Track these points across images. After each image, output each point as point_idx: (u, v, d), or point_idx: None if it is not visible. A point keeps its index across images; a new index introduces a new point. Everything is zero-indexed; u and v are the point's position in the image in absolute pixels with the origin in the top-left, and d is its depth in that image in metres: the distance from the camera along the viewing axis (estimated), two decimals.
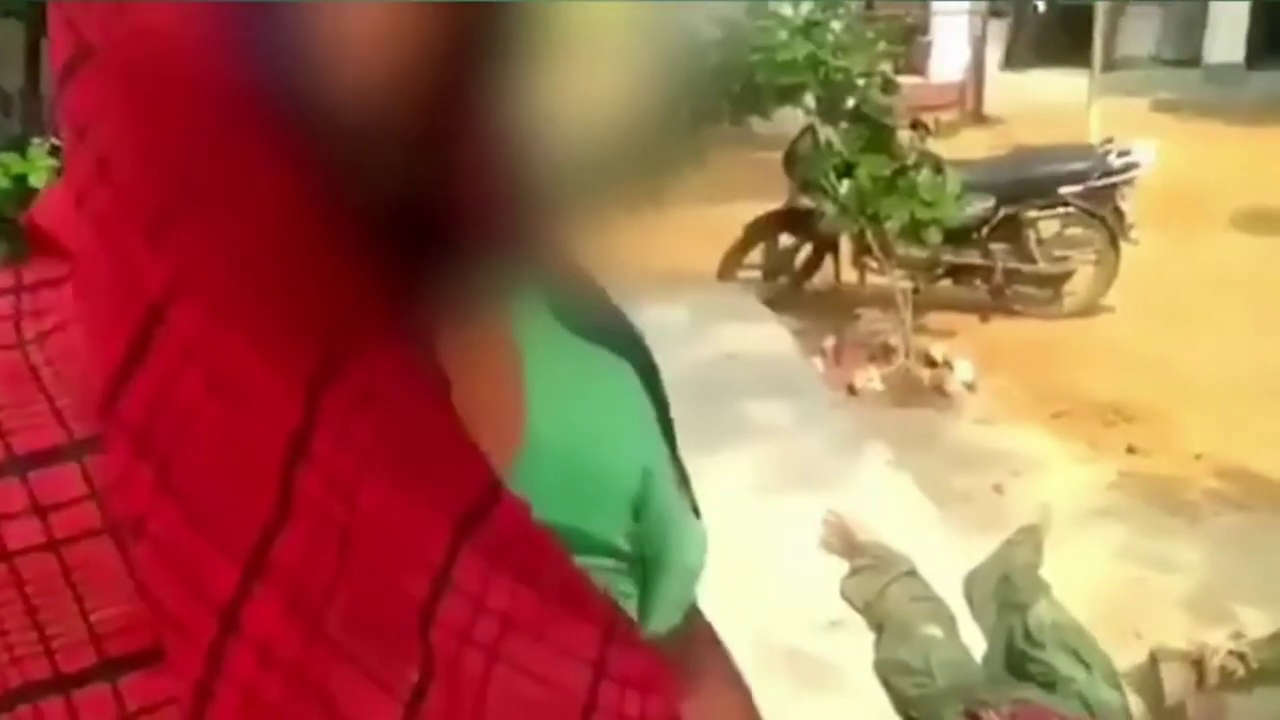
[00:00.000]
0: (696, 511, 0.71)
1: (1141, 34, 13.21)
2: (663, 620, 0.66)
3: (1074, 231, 5.92)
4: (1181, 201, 6.91)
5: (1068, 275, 5.95)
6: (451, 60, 0.39)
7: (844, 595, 2.32)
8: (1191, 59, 12.78)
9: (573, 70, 0.40)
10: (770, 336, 5.31)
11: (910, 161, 5.27)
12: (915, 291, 5.53)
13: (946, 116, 8.60)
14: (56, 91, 0.46)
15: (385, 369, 0.47)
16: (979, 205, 5.68)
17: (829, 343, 5.48)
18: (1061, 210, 5.86)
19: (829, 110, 5.34)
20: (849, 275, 6.03)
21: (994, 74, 11.77)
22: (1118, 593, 3.43)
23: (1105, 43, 9.32)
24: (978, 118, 10.92)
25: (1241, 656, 2.83)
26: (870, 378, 5.13)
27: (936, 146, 5.65)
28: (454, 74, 0.39)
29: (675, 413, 0.68)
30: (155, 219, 0.44)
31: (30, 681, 0.44)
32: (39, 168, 4.10)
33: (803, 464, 3.88)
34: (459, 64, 0.39)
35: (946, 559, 2.77)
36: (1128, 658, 2.70)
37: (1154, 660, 2.92)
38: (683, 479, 0.69)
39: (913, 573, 2.28)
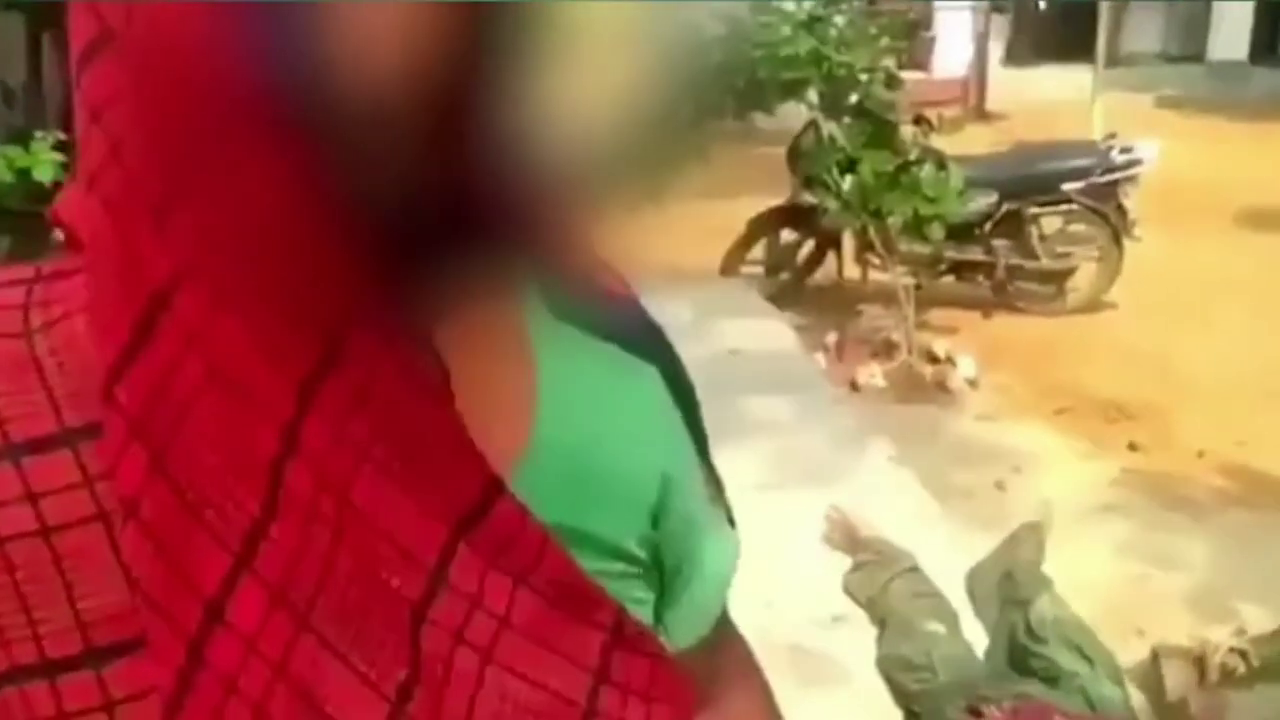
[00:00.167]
0: (731, 521, 0.69)
1: (1146, 30, 13.20)
2: (688, 631, 0.65)
3: (1077, 228, 5.92)
4: (1185, 198, 6.91)
5: (1070, 272, 5.95)
6: (457, 59, 0.39)
7: (846, 591, 2.32)
8: (1195, 55, 12.78)
9: (577, 67, 0.41)
10: (773, 332, 5.31)
11: (913, 157, 5.28)
12: (918, 288, 5.53)
13: (949, 112, 8.59)
14: (75, 74, 0.47)
15: (383, 367, 0.47)
16: (982, 201, 5.68)
17: (831, 339, 5.48)
18: (1064, 207, 5.86)
19: (832, 106, 5.34)
20: (851, 271, 6.03)
21: (997, 70, 11.77)
22: (1120, 589, 3.43)
23: (1109, 39, 9.30)
24: (981, 113, 10.93)
25: (1243, 653, 2.83)
26: (872, 374, 5.13)
27: (939, 142, 5.65)
28: (460, 72, 0.39)
29: None
30: (161, 204, 0.44)
31: (17, 665, 0.45)
32: (43, 161, 4.11)
33: (805, 460, 3.89)
34: (464, 62, 0.39)
35: (948, 555, 2.77)
36: (1130, 654, 2.70)
37: (1155, 657, 2.92)
38: (716, 487, 0.67)
39: (915, 568, 2.28)
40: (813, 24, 5.12)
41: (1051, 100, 9.78)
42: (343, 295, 0.45)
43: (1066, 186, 5.78)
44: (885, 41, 5.54)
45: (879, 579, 2.25)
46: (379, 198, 0.41)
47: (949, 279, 6.00)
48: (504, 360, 0.56)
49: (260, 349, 0.45)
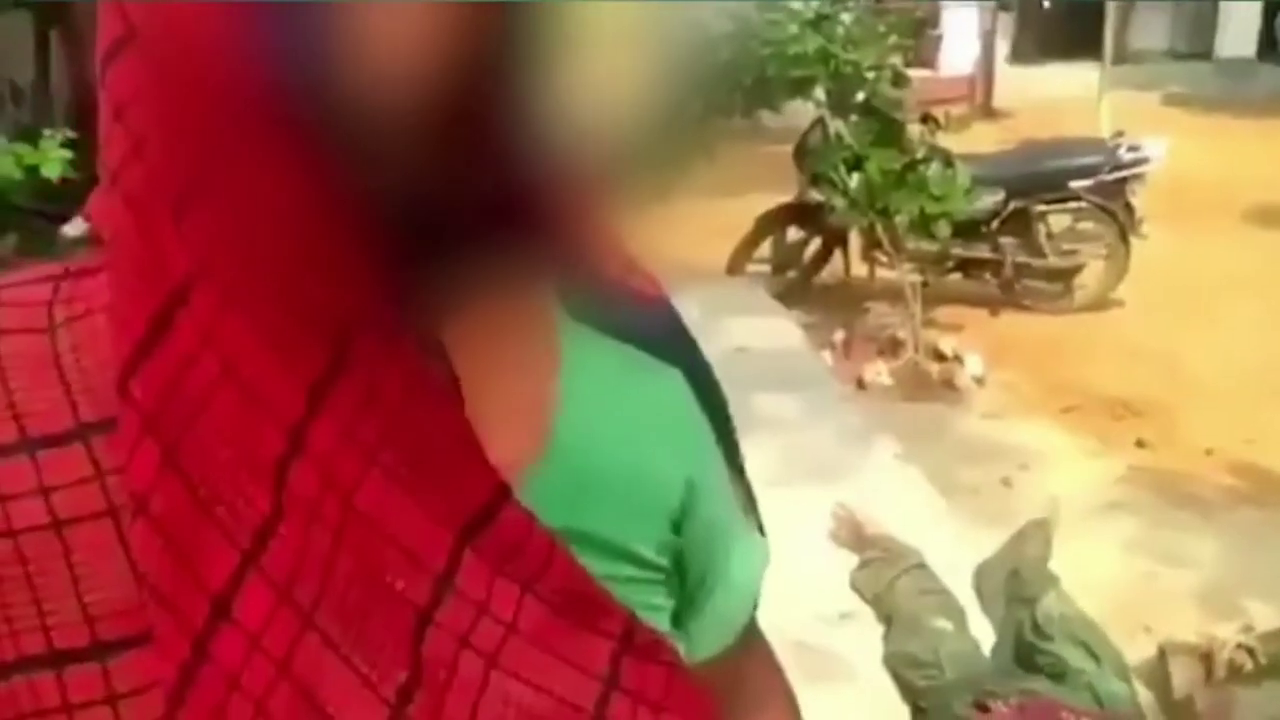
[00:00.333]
0: (761, 529, 0.68)
1: (1153, 28, 13.15)
2: (712, 641, 0.64)
3: (1084, 226, 5.90)
4: (1192, 196, 6.89)
5: (1078, 269, 5.94)
6: (469, 60, 0.40)
7: (853, 587, 2.32)
8: (1203, 53, 12.74)
9: (586, 65, 0.41)
10: (779, 330, 5.31)
11: (920, 155, 5.27)
12: (924, 285, 5.52)
13: (956, 110, 8.57)
14: (100, 71, 0.47)
15: (391, 371, 0.47)
16: (989, 199, 5.67)
17: (838, 336, 5.47)
18: (1072, 204, 5.84)
19: (839, 104, 5.34)
20: (858, 269, 6.03)
21: (1003, 67, 11.74)
22: (1127, 587, 3.43)
23: (1116, 36, 9.28)
24: (987, 111, 10.90)
25: (1250, 651, 2.82)
26: (879, 372, 5.13)
27: (946, 140, 5.64)
28: (471, 73, 0.40)
29: None
30: (180, 202, 0.45)
31: (25, 655, 0.45)
32: (51, 159, 4.12)
33: (812, 457, 3.89)
34: (477, 63, 0.40)
35: (955, 552, 2.77)
36: (1137, 651, 2.70)
37: (1163, 654, 2.92)
38: (746, 495, 0.66)
39: (922, 565, 2.28)
40: (820, 22, 5.12)
41: (1058, 98, 9.75)
42: (352, 298, 0.45)
43: (1074, 184, 5.77)
44: (892, 39, 5.53)
45: (885, 576, 2.25)
46: (389, 199, 0.41)
47: (956, 277, 5.98)
48: (527, 361, 0.55)
49: (272, 349, 0.46)
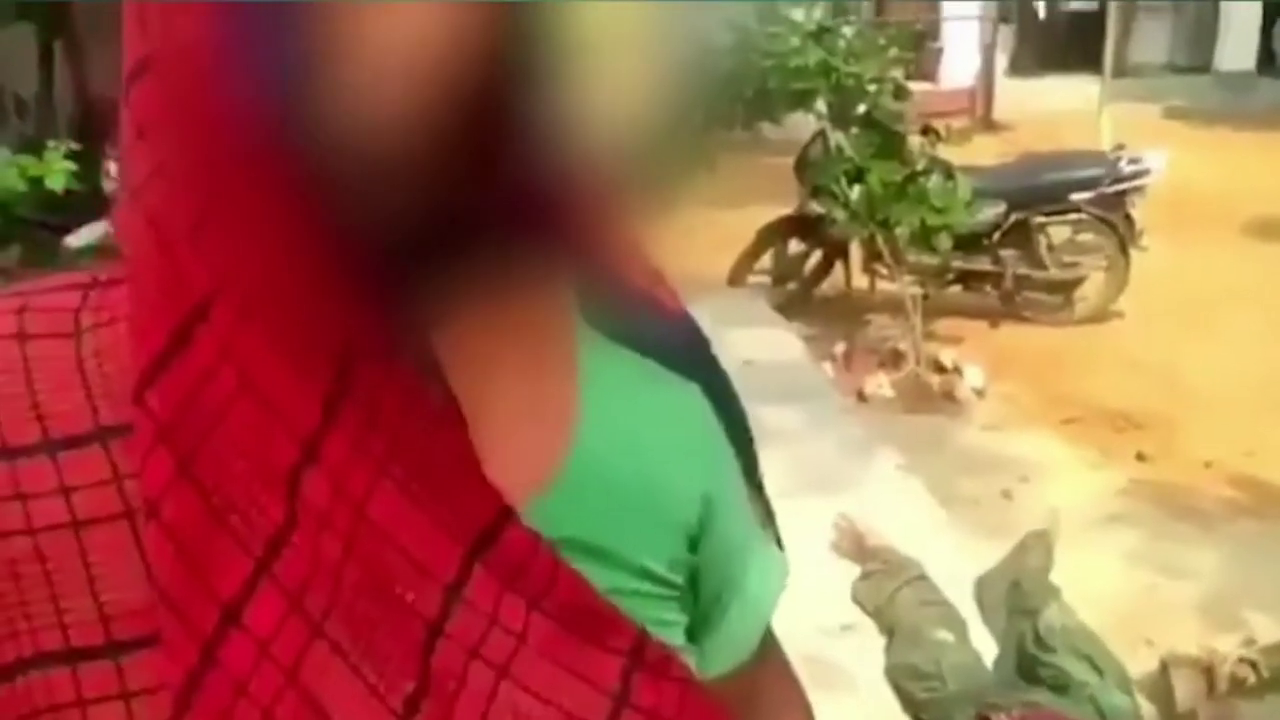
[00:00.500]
0: (780, 543, 0.68)
1: (1153, 40, 13.19)
2: (726, 656, 0.63)
3: (1085, 238, 5.91)
4: (1192, 208, 6.90)
5: (1078, 281, 5.94)
6: (468, 83, 0.40)
7: (855, 599, 2.32)
8: (1202, 66, 12.77)
9: (587, 80, 0.41)
10: (781, 342, 5.32)
11: (920, 167, 5.28)
12: (925, 297, 5.52)
13: (957, 123, 8.60)
14: (125, 90, 0.48)
15: (391, 391, 0.48)
16: (989, 211, 5.68)
17: (839, 348, 5.48)
18: (1072, 216, 5.85)
19: (840, 116, 5.35)
20: (859, 281, 6.04)
21: (1004, 81, 11.77)
22: (1128, 599, 3.42)
23: (1117, 49, 9.30)
24: (988, 124, 10.93)
25: (1252, 664, 2.82)
26: (880, 384, 5.13)
27: (947, 153, 5.65)
28: (469, 95, 0.40)
29: None
30: (195, 222, 0.46)
31: (42, 651, 0.46)
32: (55, 170, 4.13)
33: (814, 468, 3.89)
34: (474, 85, 0.40)
35: (955, 563, 2.77)
36: (1138, 664, 2.69)
37: (1165, 667, 2.92)
38: (765, 509, 0.66)
39: (923, 577, 2.28)
40: (821, 35, 5.13)
41: (1058, 111, 9.78)
42: (347, 322, 0.46)
43: (1075, 196, 5.78)
44: (893, 52, 5.55)
45: (887, 588, 2.25)
46: (375, 228, 0.42)
47: (956, 289, 5.99)
48: (547, 375, 0.56)
49: (287, 362, 0.47)
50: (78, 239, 4.46)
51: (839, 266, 6.07)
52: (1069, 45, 12.40)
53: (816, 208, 5.58)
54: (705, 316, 0.66)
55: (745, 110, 4.76)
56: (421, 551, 0.49)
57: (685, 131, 0.45)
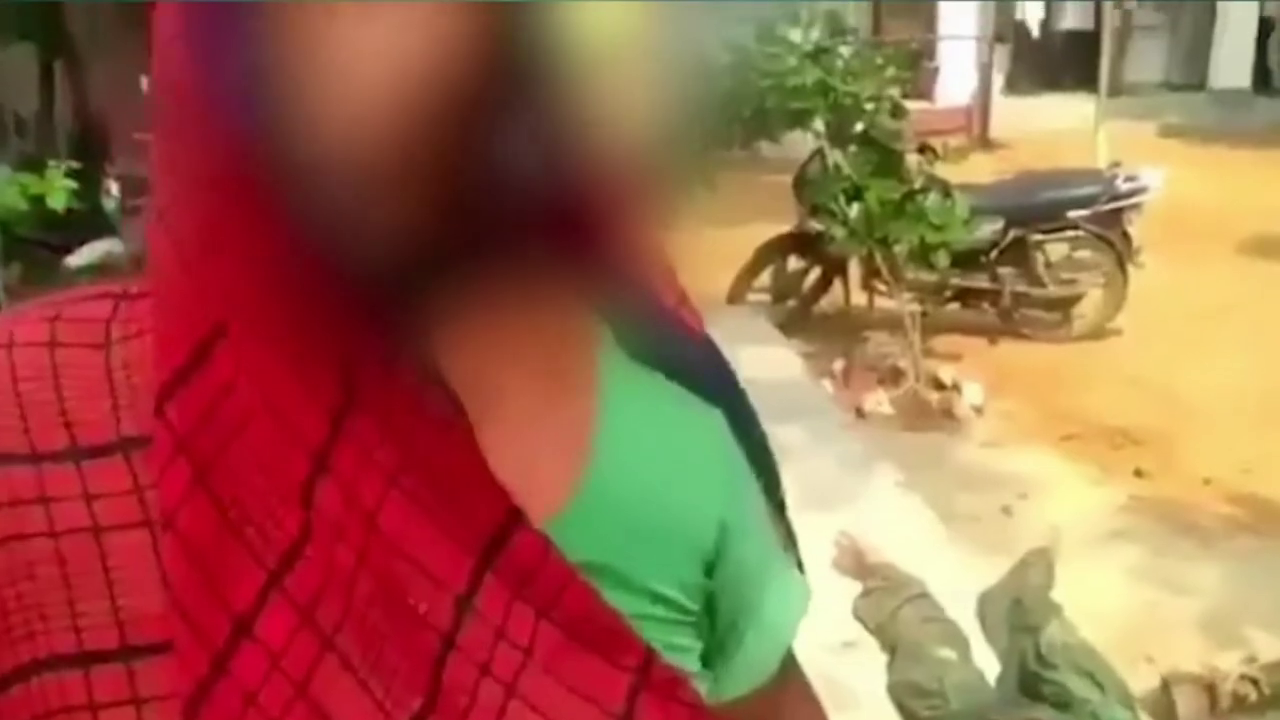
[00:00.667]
0: (801, 567, 0.68)
1: (1148, 59, 13.24)
2: (741, 682, 0.63)
3: (1082, 255, 5.92)
4: (1189, 226, 6.92)
5: (1076, 298, 5.96)
6: (449, 111, 0.41)
7: (856, 616, 2.32)
8: (1198, 84, 12.82)
9: (585, 100, 0.42)
10: (780, 359, 5.32)
11: (918, 185, 5.29)
12: (924, 314, 5.53)
13: (954, 141, 8.62)
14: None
15: (397, 401, 0.49)
16: (987, 229, 5.69)
17: (838, 366, 5.48)
18: (1070, 234, 5.87)
19: (838, 135, 5.36)
20: (858, 298, 6.04)
21: (1000, 99, 11.82)
22: (1130, 615, 3.42)
23: (1112, 67, 9.34)
24: (984, 142, 10.96)
25: (1254, 681, 2.82)
26: (879, 401, 5.13)
27: (944, 171, 5.67)
28: (454, 123, 0.41)
29: None
30: (203, 244, 0.47)
31: (56, 653, 0.47)
32: (56, 189, 4.14)
33: (814, 485, 3.88)
34: (459, 112, 0.41)
35: (956, 579, 2.76)
36: (1140, 681, 2.69)
37: (1166, 685, 2.91)
38: (787, 535, 0.66)
39: (924, 594, 2.27)
40: (819, 55, 5.15)
41: (1054, 129, 9.81)
42: (346, 335, 0.47)
43: (1072, 214, 5.80)
44: (890, 72, 5.56)
45: (888, 605, 2.25)
46: (370, 250, 0.43)
47: (955, 306, 6.00)
48: (566, 392, 0.56)
49: (297, 378, 0.47)
50: (78, 258, 4.47)
51: (838, 284, 6.08)
52: (1065, 64, 12.44)
53: (815, 225, 5.59)
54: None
55: (744, 129, 4.78)
56: (433, 561, 0.49)
57: (684, 150, 0.46)
